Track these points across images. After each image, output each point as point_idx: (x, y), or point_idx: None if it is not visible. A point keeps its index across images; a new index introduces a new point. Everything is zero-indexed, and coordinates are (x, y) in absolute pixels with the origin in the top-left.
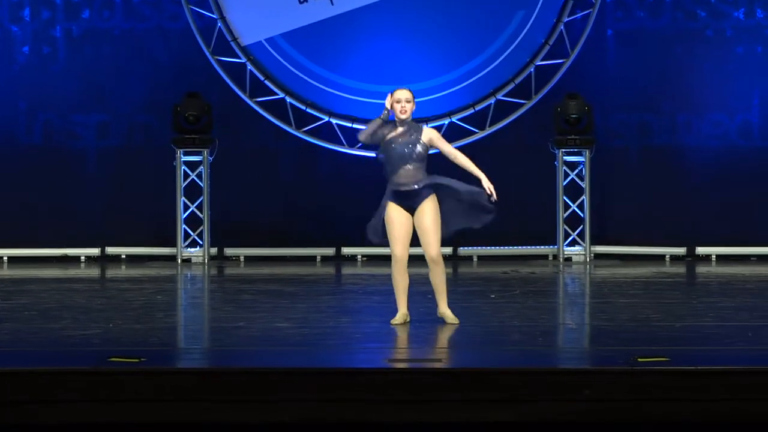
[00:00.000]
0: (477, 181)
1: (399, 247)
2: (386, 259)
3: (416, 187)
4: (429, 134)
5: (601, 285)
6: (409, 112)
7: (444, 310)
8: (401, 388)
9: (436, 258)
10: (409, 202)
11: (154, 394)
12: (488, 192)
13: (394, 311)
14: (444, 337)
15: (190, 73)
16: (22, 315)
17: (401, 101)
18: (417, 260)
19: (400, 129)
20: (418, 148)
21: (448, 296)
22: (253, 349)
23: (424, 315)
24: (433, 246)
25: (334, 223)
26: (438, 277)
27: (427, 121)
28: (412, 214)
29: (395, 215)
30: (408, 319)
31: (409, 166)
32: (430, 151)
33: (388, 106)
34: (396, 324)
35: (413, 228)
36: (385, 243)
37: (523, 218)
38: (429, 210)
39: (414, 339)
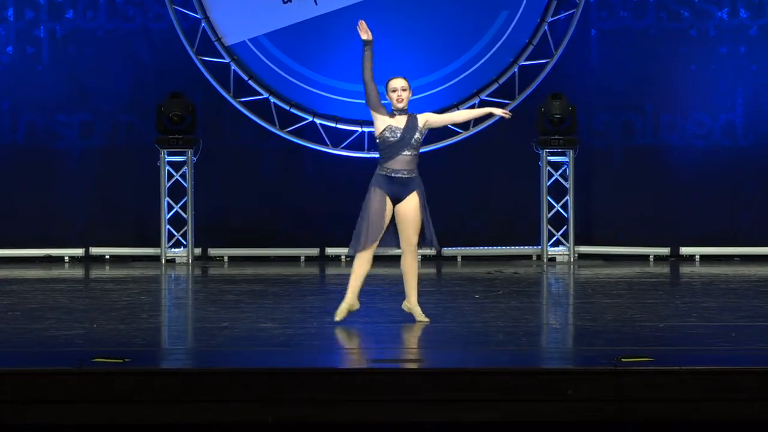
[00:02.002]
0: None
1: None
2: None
3: (409, 175)
4: (424, 118)
5: (584, 285)
6: (405, 101)
7: (414, 305)
8: (385, 388)
9: (415, 245)
10: (398, 190)
11: (138, 395)
12: (504, 113)
13: (379, 312)
14: (428, 337)
15: (173, 73)
16: (5, 316)
17: (397, 90)
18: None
19: (397, 116)
20: (417, 134)
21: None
22: (237, 349)
23: (408, 316)
24: (415, 234)
25: (318, 224)
26: (411, 265)
27: None
28: (395, 203)
29: (378, 204)
30: (356, 308)
31: (406, 153)
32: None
33: (364, 37)
34: (341, 317)
35: (391, 218)
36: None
37: (507, 218)
38: (415, 201)
39: (398, 339)
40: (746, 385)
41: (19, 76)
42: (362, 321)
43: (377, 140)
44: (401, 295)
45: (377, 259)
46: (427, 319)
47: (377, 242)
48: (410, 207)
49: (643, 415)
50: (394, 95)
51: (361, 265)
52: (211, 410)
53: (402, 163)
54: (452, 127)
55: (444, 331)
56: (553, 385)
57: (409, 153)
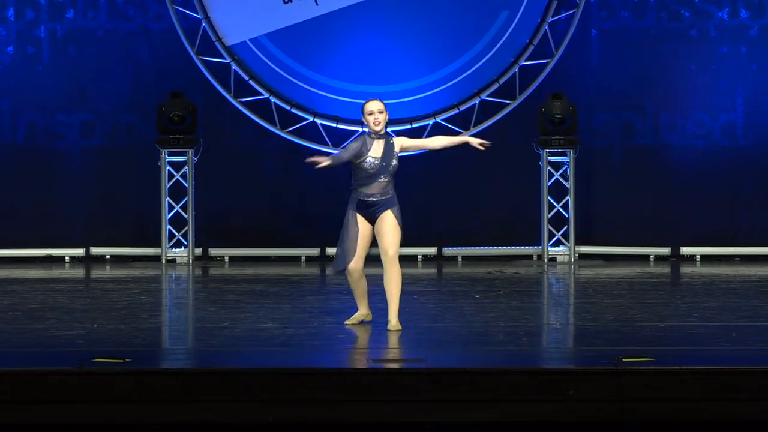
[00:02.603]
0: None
1: (354, 260)
2: (371, 260)
3: (382, 197)
4: (400, 143)
5: (585, 285)
6: (383, 124)
7: (393, 319)
8: (385, 388)
9: (393, 257)
10: (373, 211)
11: (138, 395)
12: (481, 144)
13: (379, 312)
14: (428, 337)
15: (174, 74)
16: (6, 316)
17: (374, 113)
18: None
19: (375, 143)
20: (394, 161)
21: (400, 305)
22: (237, 349)
23: (409, 315)
24: (392, 246)
25: (319, 224)
26: (394, 281)
27: (411, 121)
28: (373, 223)
29: (354, 227)
30: (369, 318)
31: (382, 179)
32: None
33: (370, 123)
34: (351, 324)
35: (372, 238)
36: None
37: (508, 218)
38: (390, 216)
39: (398, 339)
40: (747, 385)
41: (20, 76)
42: (362, 321)
43: (355, 169)
44: (403, 294)
45: (375, 259)
46: (398, 328)
47: (362, 262)
48: (386, 222)
49: (644, 415)
50: (371, 118)
51: (355, 282)
52: (211, 410)
53: (377, 188)
54: (453, 127)
55: (444, 331)
56: (553, 385)
57: (385, 179)
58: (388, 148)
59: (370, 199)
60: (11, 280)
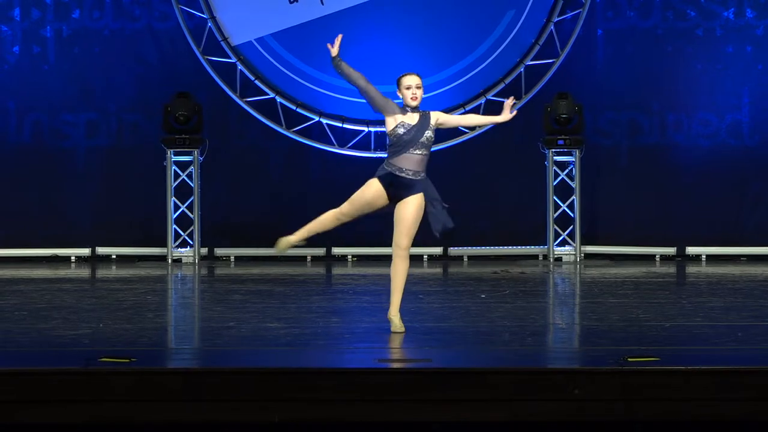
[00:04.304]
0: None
1: (350, 207)
2: (376, 259)
3: (414, 177)
4: (436, 116)
5: (591, 285)
6: (420, 99)
7: (392, 315)
8: (391, 388)
9: (405, 249)
10: (400, 191)
11: (144, 395)
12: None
13: (384, 312)
14: (433, 337)
15: (180, 73)
16: (12, 315)
17: (412, 87)
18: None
19: (409, 113)
20: (429, 132)
21: (402, 300)
22: (243, 349)
23: (414, 315)
24: (405, 236)
25: None
26: (397, 271)
27: None
28: (394, 203)
29: (373, 193)
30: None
31: (416, 152)
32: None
33: (334, 53)
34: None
35: (379, 210)
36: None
37: (514, 218)
38: (414, 203)
39: (404, 339)
40: (753, 385)
41: (26, 76)
42: (368, 321)
43: (388, 137)
44: (405, 295)
45: (381, 259)
46: (402, 330)
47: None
48: (407, 209)
49: (649, 415)
50: (408, 93)
51: (326, 218)
52: (216, 410)
53: (410, 162)
54: (460, 127)
55: (450, 331)
56: (559, 384)
57: (420, 152)
58: (424, 120)
59: (402, 174)
60: (17, 280)
